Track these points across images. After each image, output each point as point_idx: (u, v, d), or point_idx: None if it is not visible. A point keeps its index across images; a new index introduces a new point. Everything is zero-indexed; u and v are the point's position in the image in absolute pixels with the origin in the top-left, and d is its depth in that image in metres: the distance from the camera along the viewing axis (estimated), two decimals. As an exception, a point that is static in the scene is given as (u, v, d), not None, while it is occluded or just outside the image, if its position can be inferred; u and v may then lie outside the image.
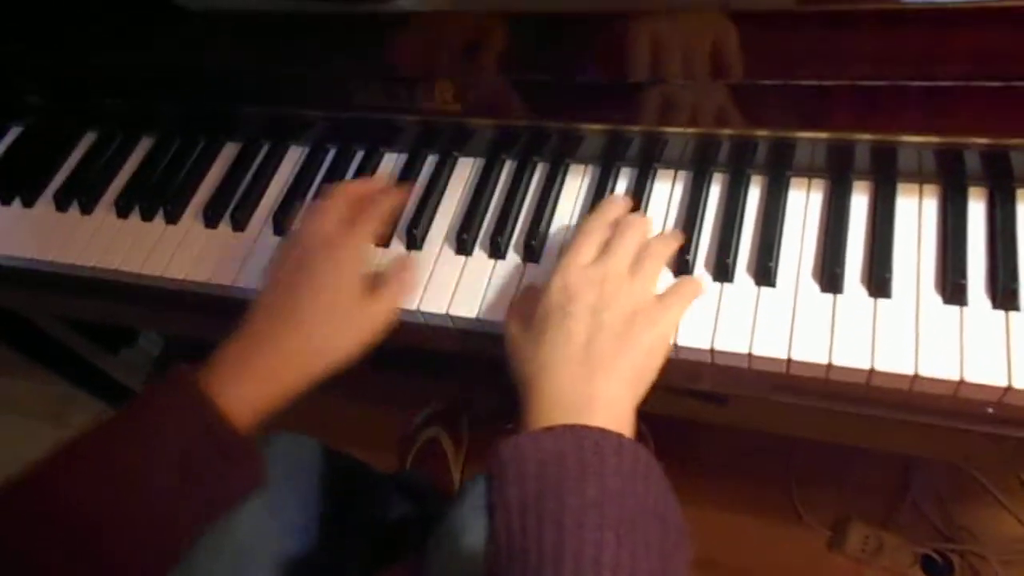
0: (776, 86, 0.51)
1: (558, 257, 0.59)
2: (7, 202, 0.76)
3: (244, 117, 0.72)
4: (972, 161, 0.52)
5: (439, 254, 0.62)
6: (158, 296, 0.70)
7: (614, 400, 0.47)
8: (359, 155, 0.70)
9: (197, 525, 0.51)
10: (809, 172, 0.58)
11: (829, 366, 0.50)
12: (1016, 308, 0.49)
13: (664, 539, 0.42)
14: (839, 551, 1.07)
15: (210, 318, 0.70)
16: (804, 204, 0.58)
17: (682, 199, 0.61)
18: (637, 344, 0.49)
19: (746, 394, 0.55)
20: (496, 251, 0.61)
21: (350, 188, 0.61)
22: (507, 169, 0.66)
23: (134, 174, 0.75)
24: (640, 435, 1.26)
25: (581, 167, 0.64)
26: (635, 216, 0.56)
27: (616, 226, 0.55)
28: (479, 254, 0.62)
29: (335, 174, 0.69)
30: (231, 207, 0.69)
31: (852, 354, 0.50)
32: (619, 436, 0.44)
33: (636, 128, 0.59)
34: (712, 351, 0.52)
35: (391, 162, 0.70)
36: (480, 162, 0.67)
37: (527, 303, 0.55)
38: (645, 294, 0.51)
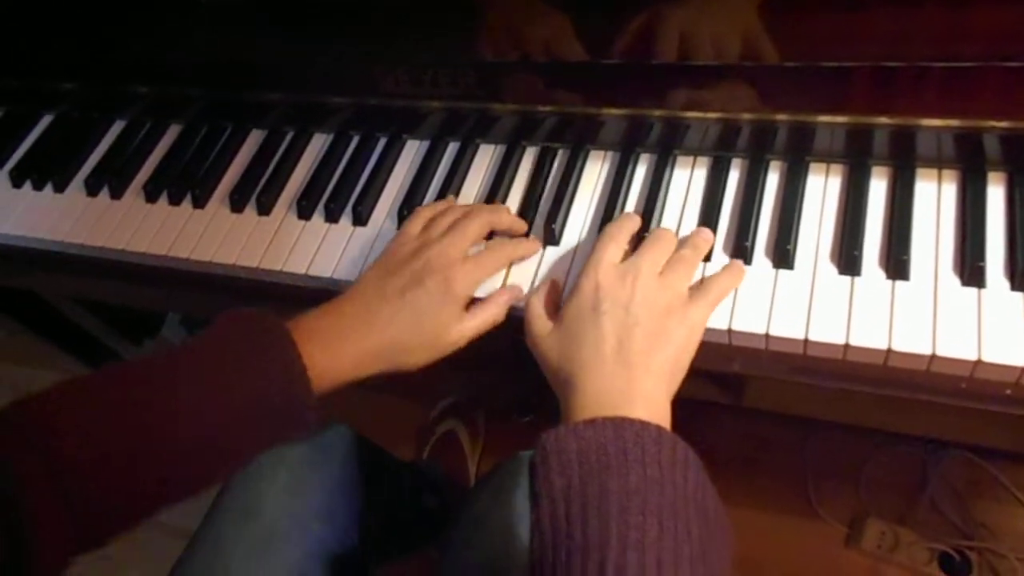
0: (797, 68, 0.51)
1: (577, 246, 0.60)
2: (39, 187, 0.78)
3: (269, 105, 0.74)
4: (991, 145, 0.52)
5: (460, 237, 0.63)
6: (183, 279, 0.71)
7: (651, 395, 0.48)
8: (382, 142, 0.72)
9: (231, 464, 0.53)
10: (828, 157, 0.59)
11: (846, 346, 0.50)
12: (1034, 290, 0.49)
13: (704, 528, 0.42)
14: (855, 547, 1.06)
15: (234, 301, 0.71)
16: (823, 189, 0.58)
17: (701, 184, 0.61)
18: (671, 340, 0.50)
19: (764, 375, 0.55)
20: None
21: (496, 218, 0.61)
22: (528, 156, 0.67)
23: (162, 160, 0.76)
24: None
25: (601, 153, 0.65)
26: (666, 228, 0.57)
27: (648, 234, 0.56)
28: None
29: (358, 160, 0.71)
30: (256, 192, 0.71)
31: (870, 334, 0.50)
32: (658, 427, 0.45)
33: (657, 113, 0.60)
34: (730, 331, 0.53)
35: (413, 149, 0.71)
36: (501, 149, 0.68)
37: (550, 299, 0.56)
38: (677, 291, 0.52)
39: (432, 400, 1.33)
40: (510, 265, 0.61)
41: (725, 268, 0.55)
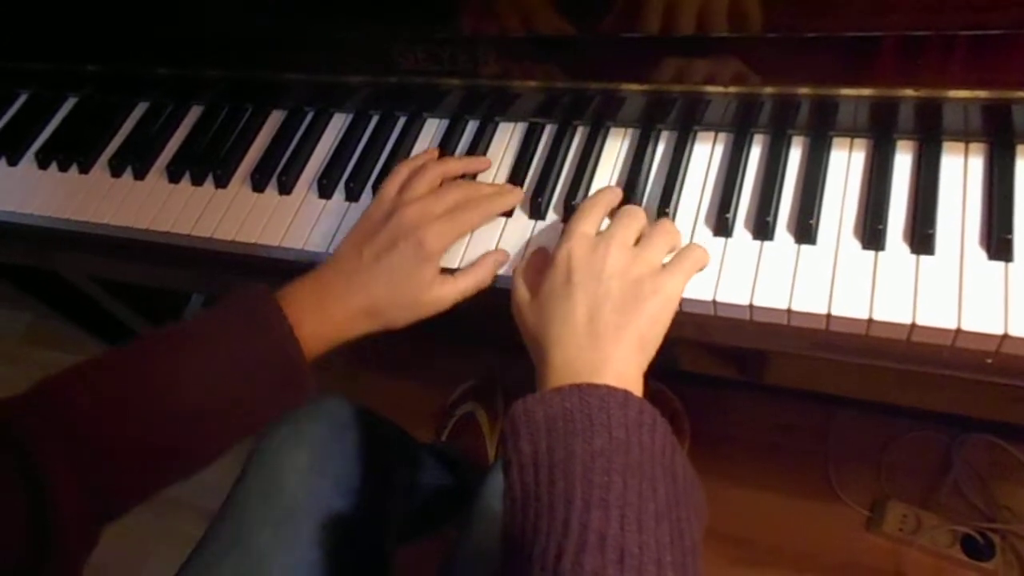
0: (820, 39, 0.50)
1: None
2: (64, 169, 0.79)
3: (290, 85, 0.74)
4: (1021, 116, 0.51)
5: (480, 215, 0.63)
6: (206, 258, 0.72)
7: (620, 365, 0.49)
8: (401, 121, 0.72)
9: (238, 430, 0.55)
10: (852, 132, 0.58)
11: (870, 321, 0.50)
12: (1064, 264, 0.49)
13: (671, 488, 0.43)
14: (877, 531, 1.06)
15: (256, 280, 0.71)
16: (846, 164, 0.57)
17: (722, 160, 0.61)
18: (642, 312, 0.50)
19: (786, 351, 0.54)
20: (536, 212, 0.62)
21: (450, 166, 0.64)
22: (547, 133, 0.67)
23: (184, 141, 0.77)
24: (675, 413, 1.26)
25: (621, 131, 0.65)
26: (635, 206, 0.58)
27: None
28: (519, 214, 0.63)
29: (377, 140, 0.71)
30: (277, 172, 0.71)
31: (893, 309, 0.50)
32: (625, 392, 0.46)
33: (677, 88, 0.59)
34: (751, 307, 0.53)
35: (433, 128, 0.71)
36: (521, 126, 0.68)
37: (533, 267, 0.57)
38: (650, 262, 0.53)
39: (451, 383, 1.34)
40: (501, 235, 0.62)
41: (698, 244, 0.56)
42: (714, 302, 0.54)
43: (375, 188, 0.67)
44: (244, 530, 0.66)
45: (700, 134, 0.62)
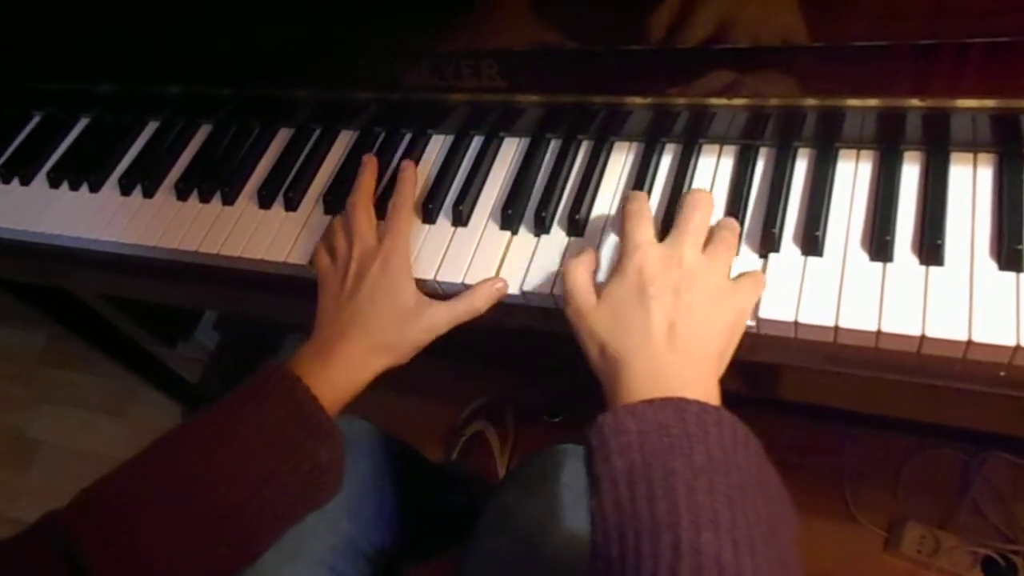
0: (827, 48, 0.50)
1: (603, 233, 0.60)
2: (75, 188, 0.80)
3: (297, 102, 0.74)
4: (1030, 126, 0.51)
5: (484, 230, 0.63)
6: (213, 275, 0.72)
7: (705, 379, 0.47)
8: (407, 137, 0.72)
9: (292, 503, 0.55)
10: (858, 143, 0.57)
11: (878, 333, 0.49)
12: (1077, 274, 0.48)
13: (769, 508, 0.41)
14: (894, 552, 1.04)
15: (263, 296, 0.72)
16: (853, 175, 0.57)
17: (727, 173, 0.60)
18: (720, 326, 0.49)
19: (795, 364, 0.54)
20: (540, 226, 0.62)
21: (361, 194, 0.65)
22: (552, 148, 0.67)
23: (193, 159, 0.78)
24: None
25: (625, 144, 0.65)
26: (699, 191, 0.55)
27: (681, 203, 0.54)
28: (524, 230, 0.62)
29: (384, 156, 0.71)
30: (284, 188, 0.71)
31: (903, 320, 0.49)
32: (717, 409, 0.44)
33: (682, 101, 0.59)
34: (757, 320, 0.52)
35: (438, 143, 0.71)
36: (525, 142, 0.68)
37: (586, 267, 0.55)
38: (723, 277, 0.52)
39: (462, 402, 1.33)
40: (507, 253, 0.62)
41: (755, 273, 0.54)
42: (720, 315, 0.53)
43: (378, 204, 0.67)
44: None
45: (705, 147, 0.62)
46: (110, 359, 1.38)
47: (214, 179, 0.74)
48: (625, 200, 0.56)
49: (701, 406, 0.44)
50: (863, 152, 0.57)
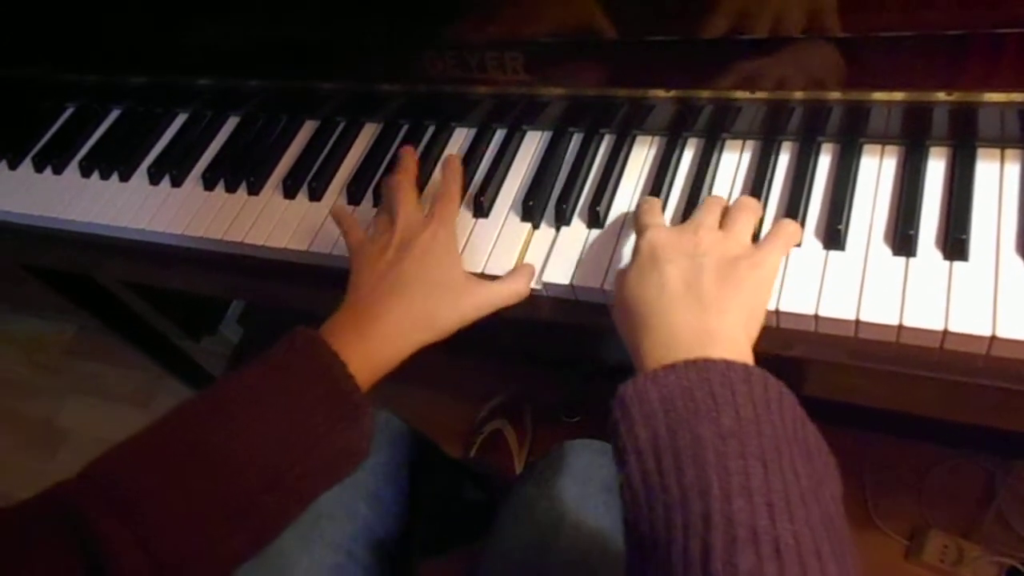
0: (853, 40, 0.50)
1: (621, 230, 0.60)
2: (106, 177, 0.82)
3: (323, 94, 0.75)
4: (1058, 120, 0.50)
5: (505, 221, 0.64)
6: (238, 264, 0.73)
7: (731, 335, 0.45)
8: (430, 130, 0.73)
9: (315, 482, 0.51)
10: (883, 138, 0.57)
11: (900, 327, 0.48)
12: (1106, 271, 0.47)
13: (810, 466, 0.39)
14: (916, 561, 1.02)
15: (285, 284, 0.73)
16: (877, 170, 0.56)
17: (749, 168, 0.60)
18: (742, 283, 0.47)
19: (815, 358, 0.53)
20: (561, 218, 0.62)
21: (406, 173, 0.63)
22: (574, 141, 0.67)
23: (220, 150, 0.79)
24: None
25: (647, 138, 0.65)
26: (716, 196, 0.56)
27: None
28: (544, 222, 0.63)
29: (407, 148, 0.72)
30: (308, 179, 0.72)
31: (925, 315, 0.48)
32: (744, 365, 0.41)
33: (705, 94, 0.59)
34: (777, 312, 0.52)
35: (461, 136, 0.72)
36: (547, 135, 0.68)
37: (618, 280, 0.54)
38: (741, 240, 0.50)
39: (480, 400, 1.33)
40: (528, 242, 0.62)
41: (791, 220, 0.54)
42: (739, 308, 0.53)
43: (403, 195, 0.68)
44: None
45: (728, 142, 0.62)
46: (137, 351, 1.41)
47: (240, 169, 0.75)
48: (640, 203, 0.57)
49: (727, 364, 0.41)
50: (888, 147, 0.57)
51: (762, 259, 0.49)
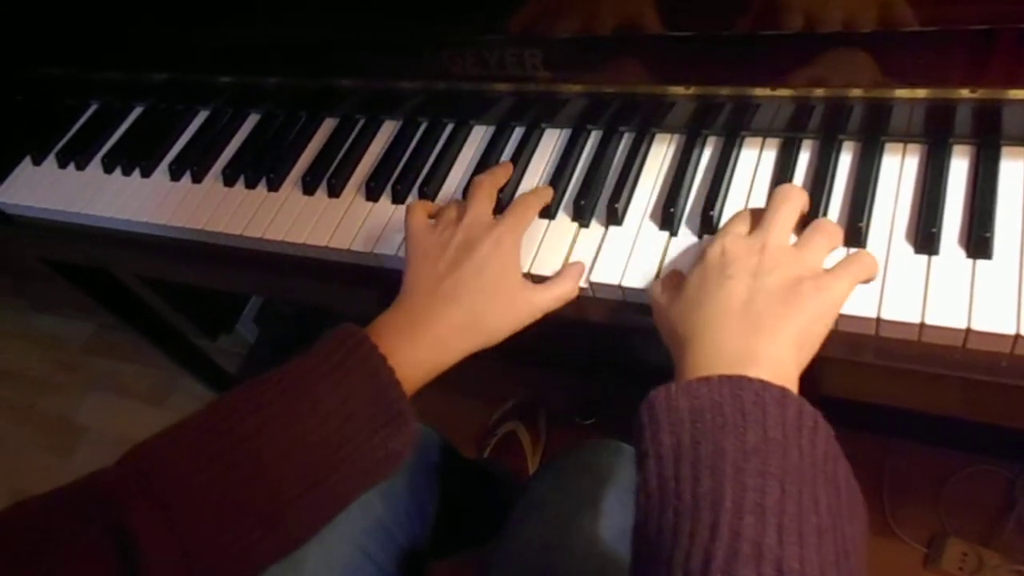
0: (875, 34, 0.49)
1: (640, 227, 0.60)
2: (128, 173, 0.83)
3: (343, 91, 0.76)
4: (1085, 118, 0.50)
5: (523, 218, 0.64)
6: (257, 260, 0.74)
7: (777, 359, 0.44)
8: (449, 127, 0.73)
9: (352, 487, 0.50)
10: (905, 137, 0.57)
11: (922, 326, 0.48)
12: None
13: (835, 500, 0.38)
14: (934, 569, 1.01)
15: (302, 280, 0.73)
16: (899, 168, 0.56)
17: (769, 167, 0.60)
18: (802, 308, 0.46)
19: (836, 356, 0.53)
20: (580, 215, 0.62)
21: (491, 177, 0.62)
22: (593, 138, 0.67)
23: (241, 147, 0.80)
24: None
25: (667, 136, 0.65)
26: (790, 185, 0.54)
27: (771, 195, 0.53)
28: (563, 218, 0.63)
29: (425, 145, 0.72)
30: (328, 175, 0.73)
31: (948, 313, 0.48)
32: (783, 389, 0.41)
33: (725, 92, 0.59)
34: (798, 310, 0.51)
35: (480, 134, 0.72)
36: (566, 133, 0.68)
37: (674, 276, 0.54)
38: (810, 263, 0.48)
39: (495, 401, 1.33)
40: (573, 244, 0.61)
41: (868, 252, 0.52)
42: (759, 305, 0.52)
43: (421, 191, 0.68)
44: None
45: (747, 140, 0.62)
46: (154, 349, 1.42)
47: (260, 166, 0.76)
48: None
49: (763, 384, 0.40)
50: (910, 145, 0.57)
51: (828, 284, 0.47)
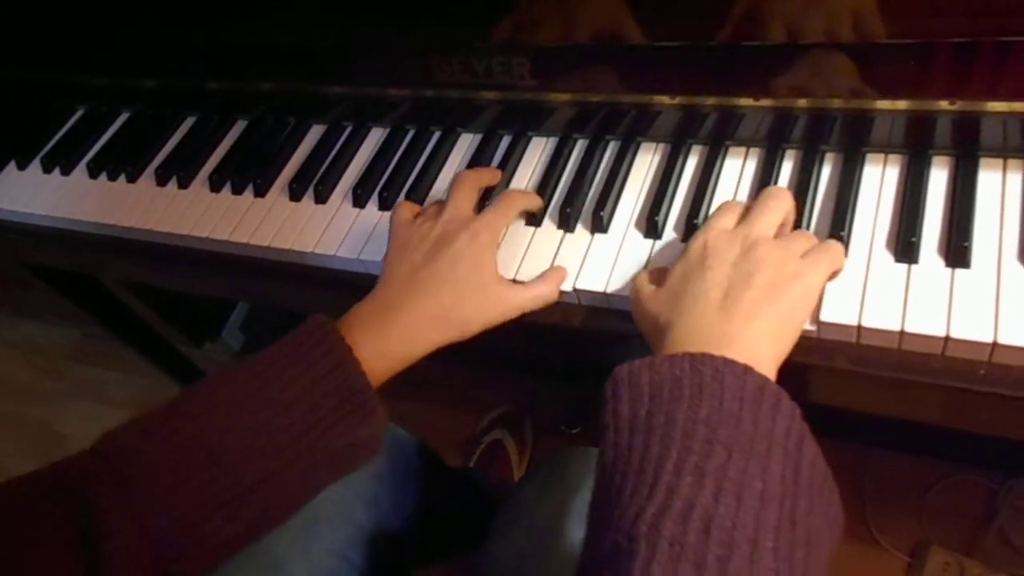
0: (857, 46, 0.50)
1: (625, 234, 0.60)
2: (113, 178, 0.82)
3: (331, 99, 0.76)
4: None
5: (509, 225, 0.64)
6: (242, 265, 0.73)
7: (752, 345, 0.44)
8: (436, 135, 0.73)
9: (318, 476, 0.51)
10: (886, 148, 0.57)
11: (902, 333, 0.49)
12: (1107, 280, 0.47)
13: (793, 478, 0.38)
14: (917, 578, 1.01)
15: (287, 286, 0.73)
16: (880, 178, 0.57)
17: (753, 175, 0.61)
18: (781, 297, 0.46)
19: (817, 363, 0.53)
20: (565, 223, 0.62)
21: (474, 174, 0.63)
22: (579, 147, 0.67)
23: (228, 153, 0.80)
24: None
25: (652, 145, 0.65)
26: (778, 188, 0.55)
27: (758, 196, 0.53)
28: (548, 225, 0.63)
29: (412, 152, 0.72)
30: (314, 182, 0.73)
31: (926, 321, 0.48)
32: (747, 366, 0.41)
33: (710, 102, 0.59)
34: (780, 317, 0.52)
35: (467, 141, 0.72)
36: (553, 141, 0.69)
37: (659, 270, 0.54)
38: (792, 251, 0.49)
39: (481, 410, 1.33)
40: (558, 249, 0.61)
41: (837, 243, 0.52)
42: (742, 313, 0.53)
43: (408, 198, 0.69)
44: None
45: (731, 149, 0.62)
46: (138, 356, 1.41)
47: (247, 172, 0.76)
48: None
49: (725, 361, 0.41)
50: (891, 156, 0.57)
51: (805, 272, 0.48)
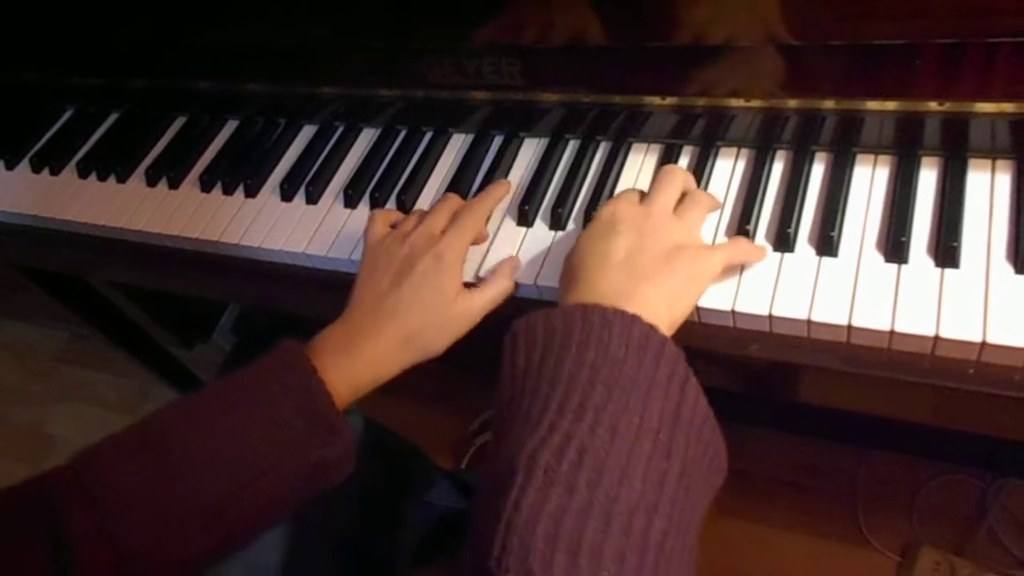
0: (846, 47, 0.50)
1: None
2: (103, 178, 0.82)
3: (322, 99, 0.76)
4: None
5: (501, 225, 0.64)
6: (231, 265, 0.73)
7: (651, 303, 0.47)
8: (427, 136, 0.73)
9: (286, 495, 0.51)
10: (876, 148, 0.58)
11: (892, 333, 0.49)
12: (1094, 279, 0.47)
13: (672, 419, 0.41)
14: (908, 577, 1.02)
15: (278, 287, 0.73)
16: (870, 179, 0.57)
17: (744, 175, 0.61)
18: (680, 268, 0.49)
19: (807, 363, 0.53)
20: (556, 222, 0.62)
21: (455, 199, 0.63)
22: (570, 147, 0.67)
23: (218, 153, 0.79)
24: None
25: (643, 146, 0.65)
26: (672, 166, 0.58)
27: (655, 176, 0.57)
28: (540, 225, 0.63)
29: (404, 153, 0.72)
30: (306, 182, 0.73)
31: (916, 320, 0.48)
32: (636, 315, 0.43)
33: (701, 102, 0.59)
34: (770, 317, 0.52)
35: (458, 142, 0.72)
36: (544, 141, 0.69)
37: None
38: (690, 231, 0.53)
39: (472, 412, 1.33)
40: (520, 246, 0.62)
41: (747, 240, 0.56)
42: (733, 312, 0.53)
43: (399, 199, 0.68)
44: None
45: (722, 149, 0.63)
46: (128, 358, 1.40)
47: (238, 172, 0.76)
48: None
49: (615, 311, 0.43)
50: (881, 157, 0.58)
51: (705, 255, 0.51)
